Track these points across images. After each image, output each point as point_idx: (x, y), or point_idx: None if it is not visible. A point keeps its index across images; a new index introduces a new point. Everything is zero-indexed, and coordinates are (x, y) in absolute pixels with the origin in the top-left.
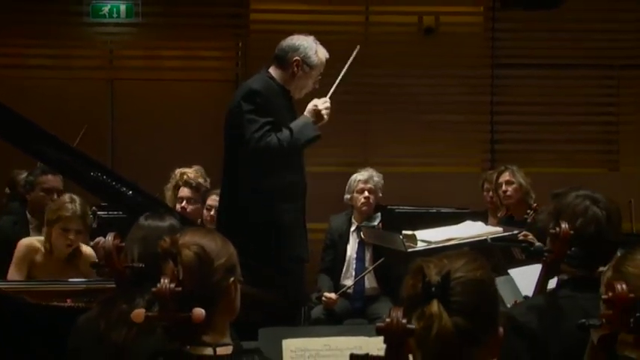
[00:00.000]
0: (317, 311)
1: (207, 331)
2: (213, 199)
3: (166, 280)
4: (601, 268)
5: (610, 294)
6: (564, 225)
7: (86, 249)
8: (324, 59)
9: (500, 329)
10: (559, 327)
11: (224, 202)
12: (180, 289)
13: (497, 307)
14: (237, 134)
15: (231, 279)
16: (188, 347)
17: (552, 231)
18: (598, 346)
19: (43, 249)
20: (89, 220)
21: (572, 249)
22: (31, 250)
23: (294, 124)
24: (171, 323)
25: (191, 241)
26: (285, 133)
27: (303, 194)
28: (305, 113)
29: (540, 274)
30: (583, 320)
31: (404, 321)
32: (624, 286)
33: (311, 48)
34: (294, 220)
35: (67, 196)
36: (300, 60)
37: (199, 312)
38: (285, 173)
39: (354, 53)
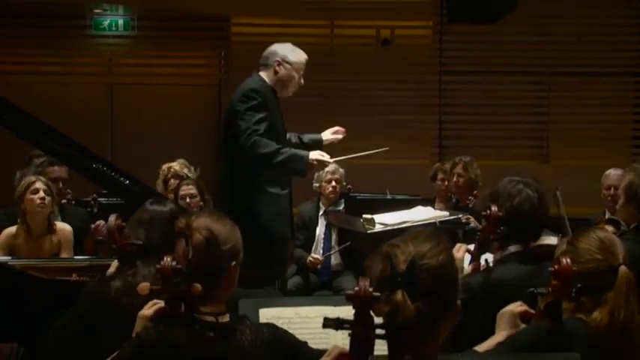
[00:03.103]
0: (290, 284)
1: (207, 303)
2: (184, 189)
3: (168, 259)
4: (532, 244)
5: (556, 267)
6: (494, 208)
7: (61, 224)
8: (302, 59)
9: (458, 302)
10: (505, 296)
11: (225, 189)
12: (180, 266)
13: (457, 285)
14: (237, 129)
15: (234, 263)
16: (195, 315)
17: (483, 213)
18: (544, 311)
19: (22, 231)
20: (53, 188)
21: (502, 228)
22: (11, 237)
23: (294, 150)
24: (173, 295)
25: (203, 224)
26: (279, 147)
27: (289, 183)
28: (311, 154)
29: (475, 250)
30: (532, 289)
31: (370, 289)
32: (569, 260)
33: (287, 49)
34: (281, 205)
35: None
36: (280, 59)
37: (197, 287)
38: (288, 162)
39: (378, 151)
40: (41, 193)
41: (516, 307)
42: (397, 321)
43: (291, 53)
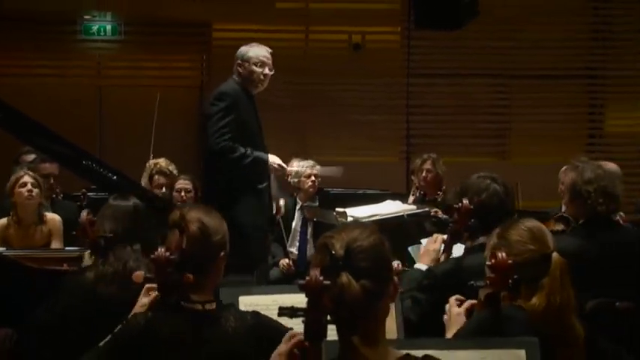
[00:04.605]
0: (271, 274)
1: (197, 292)
2: (181, 183)
3: (162, 249)
4: None
5: (493, 261)
6: (465, 201)
7: (51, 215)
8: (260, 52)
9: (395, 278)
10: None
11: (204, 183)
12: (173, 256)
13: (391, 262)
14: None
15: (222, 253)
16: (182, 303)
17: (455, 206)
18: (484, 302)
19: (13, 222)
20: (41, 181)
21: (472, 221)
22: (2, 228)
23: (256, 154)
24: (166, 283)
25: (196, 217)
26: (243, 152)
27: (267, 177)
28: (270, 158)
29: (447, 241)
30: (472, 282)
31: (321, 278)
32: (504, 254)
33: (246, 48)
34: (258, 199)
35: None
36: (240, 60)
37: (189, 277)
38: (253, 164)
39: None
40: (29, 186)
41: (453, 305)
42: (346, 302)
43: (248, 50)
